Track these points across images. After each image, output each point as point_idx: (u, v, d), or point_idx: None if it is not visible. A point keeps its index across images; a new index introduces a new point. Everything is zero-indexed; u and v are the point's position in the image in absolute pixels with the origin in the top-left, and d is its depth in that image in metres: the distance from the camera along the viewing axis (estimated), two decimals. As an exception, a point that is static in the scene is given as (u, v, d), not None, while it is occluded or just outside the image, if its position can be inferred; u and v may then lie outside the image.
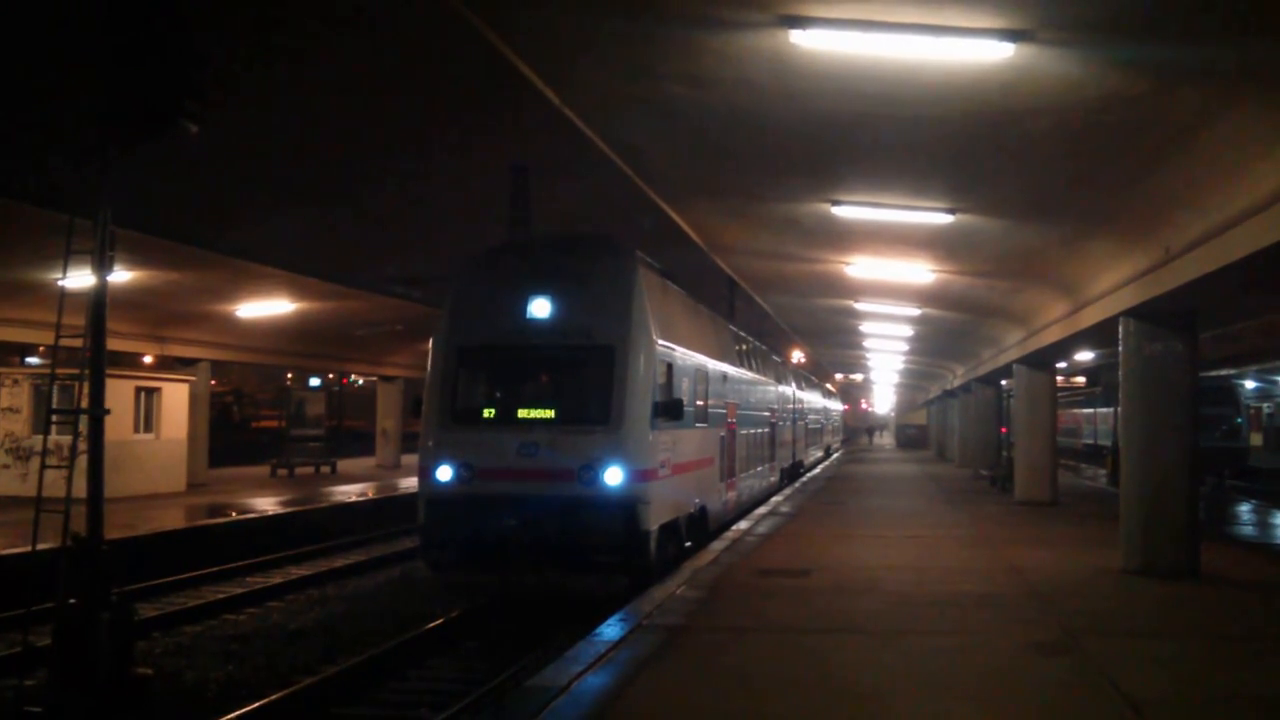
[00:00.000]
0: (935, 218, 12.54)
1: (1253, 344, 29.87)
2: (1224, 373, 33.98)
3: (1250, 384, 35.86)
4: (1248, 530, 19.23)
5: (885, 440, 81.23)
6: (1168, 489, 12.40)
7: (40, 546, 8.76)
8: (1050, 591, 11.23)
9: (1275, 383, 33.63)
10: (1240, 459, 35.93)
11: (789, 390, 28.95)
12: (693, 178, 13.59)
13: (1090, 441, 47.08)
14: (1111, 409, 34.34)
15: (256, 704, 9.21)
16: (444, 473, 11.97)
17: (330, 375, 50.74)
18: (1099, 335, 16.15)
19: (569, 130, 10.97)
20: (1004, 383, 29.44)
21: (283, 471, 31.40)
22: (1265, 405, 36.04)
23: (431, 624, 12.32)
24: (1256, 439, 36.77)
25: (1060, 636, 9.04)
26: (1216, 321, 23.30)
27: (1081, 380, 48.68)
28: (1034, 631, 9.26)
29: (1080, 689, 7.39)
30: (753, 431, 21.00)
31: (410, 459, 27.69)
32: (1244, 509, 23.51)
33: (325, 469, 33.09)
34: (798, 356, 44.62)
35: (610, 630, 9.18)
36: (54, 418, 9.84)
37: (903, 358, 40.83)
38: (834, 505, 22.06)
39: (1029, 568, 12.86)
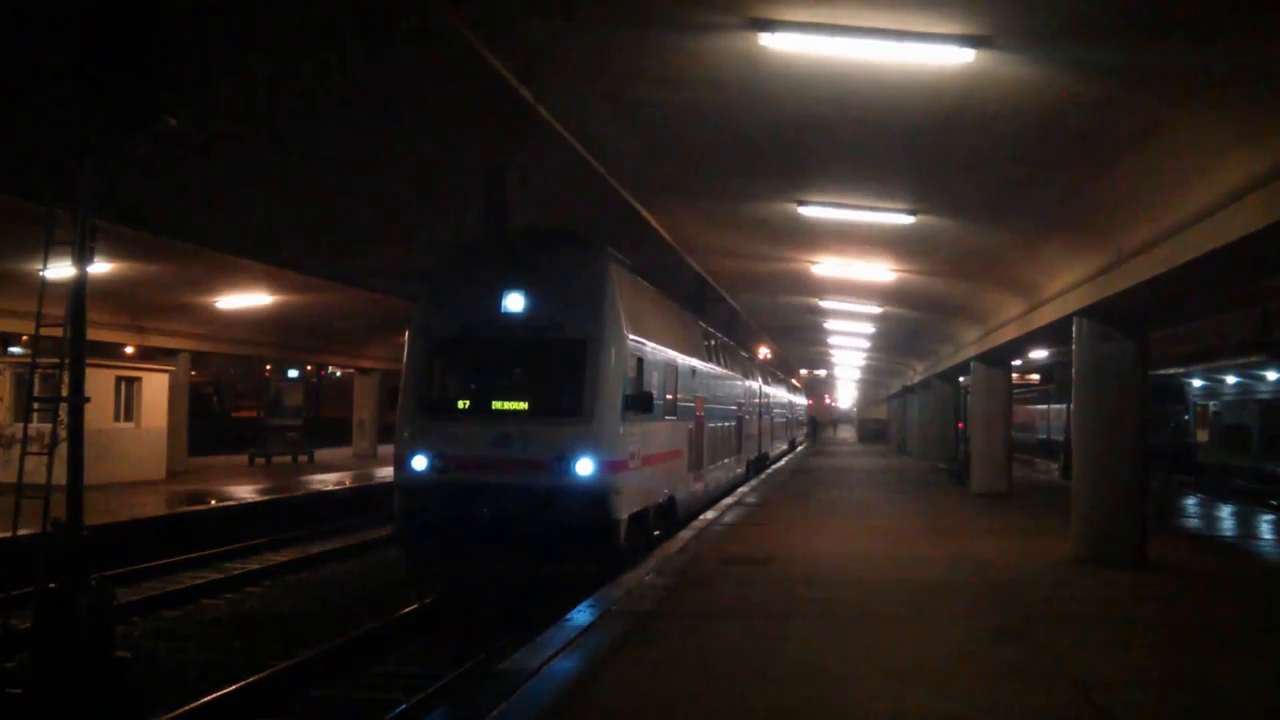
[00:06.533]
0: (897, 218, 12.83)
1: (1201, 345, 30.68)
2: (1173, 372, 34.78)
3: (1198, 383, 36.75)
4: (1194, 523, 19.78)
5: (846, 434, 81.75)
6: (1118, 482, 12.73)
7: (21, 532, 8.88)
8: (1005, 580, 11.50)
9: (1221, 382, 34.49)
10: (1188, 455, 36.81)
11: (755, 385, 29.32)
12: (663, 177, 13.78)
13: (1044, 436, 47.85)
14: (1065, 405, 35.02)
15: (234, 686, 9.35)
16: (419, 462, 12.17)
17: (308, 367, 50.78)
18: (1053, 334, 16.46)
19: (543, 128, 11.15)
20: (962, 379, 29.92)
21: (261, 460, 31.68)
22: (1212, 404, 36.96)
23: (406, 609, 12.51)
24: (1203, 436, 37.70)
25: (1014, 623, 9.26)
26: (1167, 322, 23.93)
27: (1036, 377, 49.54)
28: (988, 618, 9.48)
29: (1032, 673, 7.59)
30: (720, 425, 21.30)
31: (386, 449, 27.82)
32: (1190, 502, 24.15)
33: (303, 458, 33.37)
34: (764, 352, 45.05)
35: (581, 616, 9.33)
36: (35, 406, 9.97)
37: (865, 354, 41.31)
38: (798, 496, 22.38)
39: (984, 557, 13.15)
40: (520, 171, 15.84)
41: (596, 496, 11.88)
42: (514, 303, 12.52)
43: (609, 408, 12.16)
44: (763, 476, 28.71)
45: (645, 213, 15.89)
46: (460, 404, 12.69)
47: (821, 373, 72.79)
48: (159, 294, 23.70)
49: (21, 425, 9.47)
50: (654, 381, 14.05)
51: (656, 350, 14.50)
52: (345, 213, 17.68)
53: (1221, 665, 8.04)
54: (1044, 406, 48.21)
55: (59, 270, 9.14)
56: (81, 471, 8.76)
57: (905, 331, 28.62)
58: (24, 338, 28.96)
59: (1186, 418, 37.34)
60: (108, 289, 20.80)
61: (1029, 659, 8.01)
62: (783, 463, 37.51)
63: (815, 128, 9.87)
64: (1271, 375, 29.69)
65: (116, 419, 23.12)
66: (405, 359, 12.85)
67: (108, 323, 23.87)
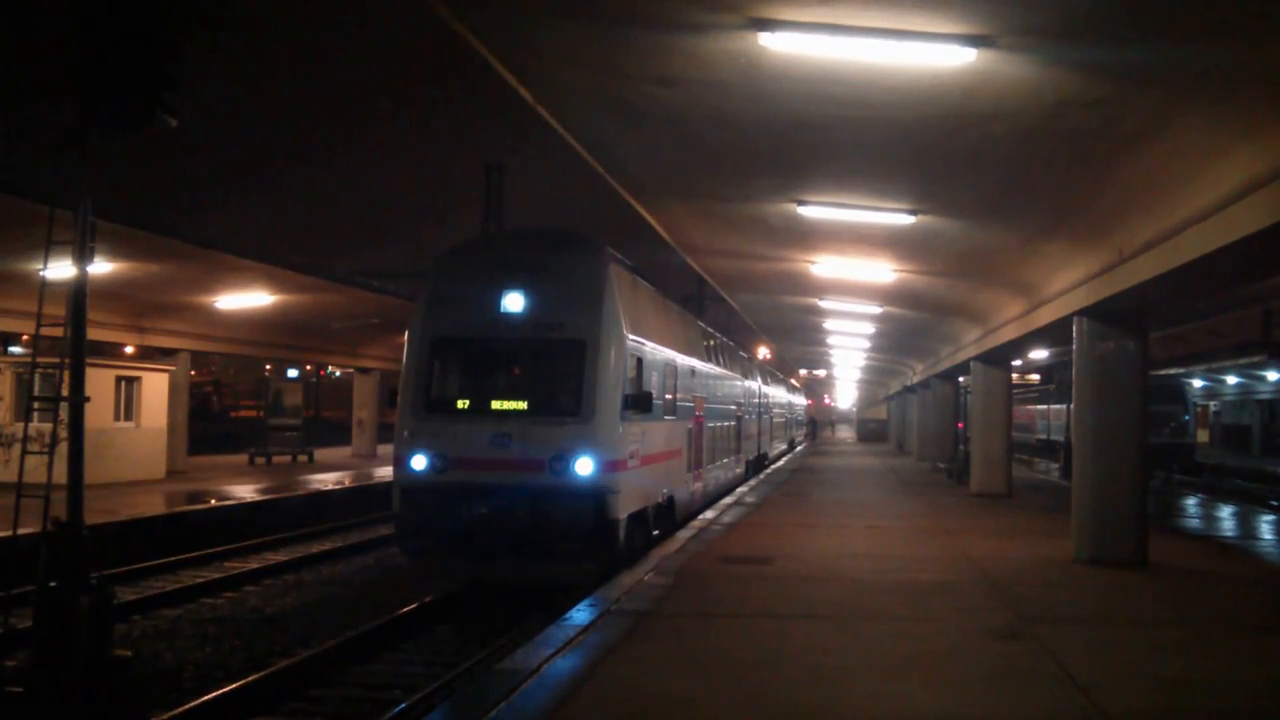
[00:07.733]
0: (897, 218, 12.82)
1: (1200, 345, 30.74)
2: (1173, 372, 34.83)
3: (1198, 384, 36.81)
4: (1194, 523, 19.82)
5: (846, 434, 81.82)
6: (1118, 482, 12.76)
7: (21, 531, 8.88)
8: (1004, 580, 11.51)
9: (1221, 382, 34.56)
10: (1188, 455, 36.89)
11: (754, 385, 29.35)
12: (663, 177, 13.76)
13: (1044, 436, 47.90)
14: (1064, 405, 35.05)
15: (233, 685, 9.35)
16: (418, 462, 12.18)
17: (308, 367, 50.91)
18: (1053, 334, 16.48)
19: (542, 129, 11.15)
20: (961, 379, 29.96)
21: (260, 460, 31.84)
22: (1212, 404, 37.04)
23: (405, 609, 12.49)
24: (1203, 436, 37.77)
25: (1013, 623, 9.29)
26: (1167, 322, 23.99)
27: (1036, 377, 49.54)
28: (988, 618, 9.49)
29: (1031, 673, 7.61)
30: (719, 424, 21.33)
31: (386, 448, 27.92)
32: (1191, 502, 24.19)
33: (302, 458, 33.54)
34: (764, 353, 45.09)
35: (580, 615, 9.35)
36: (35, 405, 9.98)
37: (865, 354, 41.32)
38: (797, 496, 22.40)
39: (984, 557, 13.16)
40: (519, 172, 15.82)
41: (596, 496, 11.89)
42: (514, 302, 12.53)
43: (608, 408, 12.17)
44: (762, 476, 28.74)
45: (645, 213, 15.88)
46: (460, 404, 12.70)
47: (821, 373, 72.86)
48: (159, 294, 23.78)
49: (22, 425, 9.48)
50: (653, 381, 14.06)
51: (656, 350, 14.51)
52: (347, 213, 17.71)
53: (1222, 665, 8.05)
54: (1044, 406, 48.24)
55: (59, 270, 9.14)
56: (82, 471, 8.77)
57: (905, 331, 28.62)
58: (24, 337, 29.10)
59: (1186, 418, 37.38)
60: (108, 289, 20.84)
61: (1029, 659, 8.02)
62: (782, 462, 37.56)
63: (815, 127, 9.85)
64: (1272, 375, 29.74)
65: (116, 419, 23.26)
66: (405, 359, 12.86)
67: (108, 322, 23.97)
